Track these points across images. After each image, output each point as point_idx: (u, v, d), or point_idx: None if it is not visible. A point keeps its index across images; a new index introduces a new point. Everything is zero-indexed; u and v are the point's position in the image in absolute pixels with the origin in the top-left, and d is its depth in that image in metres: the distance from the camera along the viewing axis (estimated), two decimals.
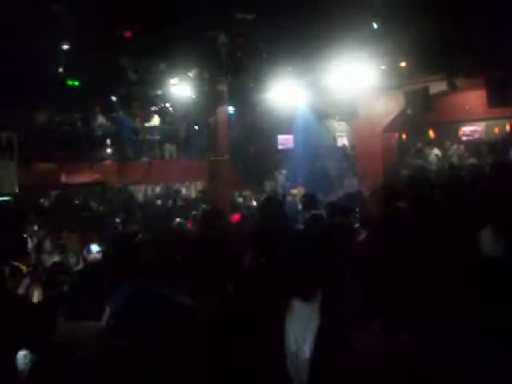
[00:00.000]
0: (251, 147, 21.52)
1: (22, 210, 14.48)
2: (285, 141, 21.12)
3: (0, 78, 12.87)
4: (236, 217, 10.90)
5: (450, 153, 19.90)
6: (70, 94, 14.79)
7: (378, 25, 12.16)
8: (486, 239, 4.07)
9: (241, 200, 16.88)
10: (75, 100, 15.85)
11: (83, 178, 17.00)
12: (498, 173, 6.09)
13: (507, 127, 20.50)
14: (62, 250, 11.07)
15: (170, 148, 19.55)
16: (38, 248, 11.74)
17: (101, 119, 17.82)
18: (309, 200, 7.41)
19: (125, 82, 14.31)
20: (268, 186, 19.25)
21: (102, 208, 16.62)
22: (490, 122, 20.46)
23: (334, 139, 22.77)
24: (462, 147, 20.18)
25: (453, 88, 15.53)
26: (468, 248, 3.99)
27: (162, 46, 12.58)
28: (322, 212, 6.91)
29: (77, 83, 14.32)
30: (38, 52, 12.25)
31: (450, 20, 11.82)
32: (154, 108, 19.24)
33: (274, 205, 6.13)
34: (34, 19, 10.99)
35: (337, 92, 16.13)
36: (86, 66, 13.15)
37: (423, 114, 17.35)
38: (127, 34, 11.87)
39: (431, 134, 21.39)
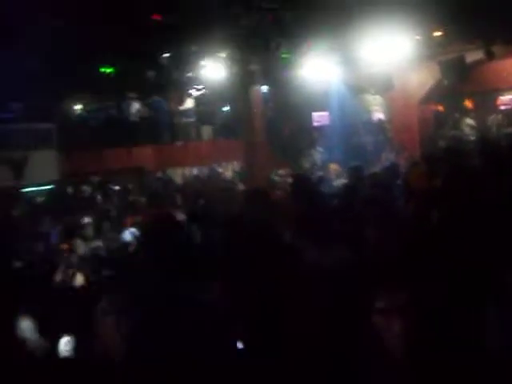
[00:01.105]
0: (286, 126, 21.45)
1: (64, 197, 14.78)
2: (320, 118, 20.98)
3: (35, 71, 13.08)
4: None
5: (490, 122, 19.51)
6: (103, 81, 14.92)
7: None
8: None
9: (277, 179, 16.86)
10: (109, 87, 16.00)
11: (121, 164, 17.24)
12: None
13: None
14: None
15: (206, 130, 19.64)
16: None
17: (136, 105, 17.97)
18: (355, 173, 7.35)
19: (157, 66, 14.36)
20: (306, 163, 19.17)
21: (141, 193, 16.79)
22: None
23: (370, 113, 22.52)
24: (500, 116, 19.78)
25: (490, 56, 15.17)
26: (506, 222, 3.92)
27: (192, 28, 12.57)
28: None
29: (109, 70, 14.43)
30: (71, 42, 12.37)
31: None
32: (187, 91, 19.30)
33: (304, 183, 6.10)
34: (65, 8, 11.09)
35: (371, 65, 15.90)
36: (118, 53, 13.23)
37: (459, 84, 17.02)
38: (156, 16, 11.88)
39: (468, 104, 20.98)
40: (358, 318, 3.35)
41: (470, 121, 19.58)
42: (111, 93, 17.23)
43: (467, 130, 19.28)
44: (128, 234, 9.07)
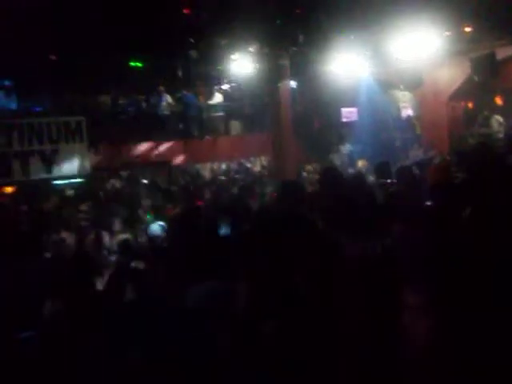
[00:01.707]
0: (315, 121, 21.43)
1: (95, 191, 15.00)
2: (349, 113, 20.91)
3: (65, 65, 13.26)
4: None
5: None
6: (133, 75, 15.09)
7: None
8: None
9: (305, 174, 16.88)
10: (139, 81, 16.18)
11: (150, 158, 17.42)
12: None
13: None
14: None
15: (234, 124, 19.73)
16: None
17: (167, 99, 18.12)
18: (382, 169, 7.35)
19: (186, 60, 14.47)
20: (336, 159, 19.15)
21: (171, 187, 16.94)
22: None
23: (399, 109, 22.39)
24: None
25: None
26: None
27: (222, 22, 12.64)
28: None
29: (139, 64, 14.59)
30: (103, 37, 12.52)
31: None
32: (217, 85, 19.41)
33: (332, 175, 6.11)
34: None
35: (400, 61, 15.82)
36: (148, 47, 13.36)
37: (490, 81, 16.84)
38: (187, 10, 11.98)
39: (498, 101, 20.75)
40: (389, 313, 3.37)
41: (499, 118, 19.35)
42: (141, 87, 17.42)
43: (496, 127, 19.07)
44: (157, 227, 9.17)
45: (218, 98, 19.52)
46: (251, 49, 14.65)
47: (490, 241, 3.70)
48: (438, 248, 3.95)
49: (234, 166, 20.35)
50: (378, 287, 3.42)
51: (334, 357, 3.25)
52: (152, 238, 8.80)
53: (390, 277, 3.55)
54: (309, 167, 16.95)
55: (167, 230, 8.48)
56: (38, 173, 14.87)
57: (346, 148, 20.03)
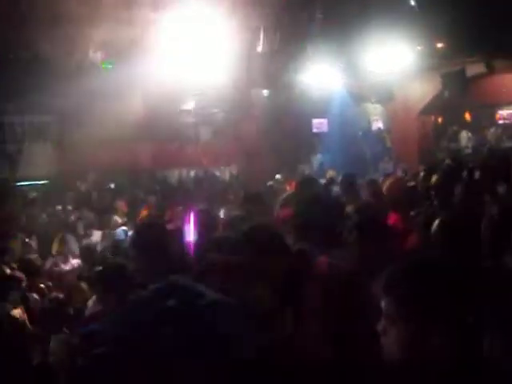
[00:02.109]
0: (286, 131, 21.41)
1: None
2: (319, 124, 20.96)
3: (34, 64, 13.00)
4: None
5: (489, 136, 19.55)
6: (104, 77, 14.85)
7: (414, 4, 11.95)
8: None
9: (275, 184, 16.78)
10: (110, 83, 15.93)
11: (118, 161, 17.15)
12: None
13: None
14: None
15: (204, 131, 19.59)
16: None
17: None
18: (348, 182, 7.30)
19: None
20: (307, 169, 19.15)
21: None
22: None
23: (369, 122, 22.53)
24: (499, 130, 19.84)
25: (490, 70, 15.24)
26: None
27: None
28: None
29: (110, 66, 14.39)
30: (75, 36, 12.32)
31: (488, 0, 11.60)
32: (189, 91, 19.24)
33: (312, 186, 6.05)
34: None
35: (372, 74, 15.90)
36: (120, 48, 13.19)
37: (460, 97, 17.05)
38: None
39: (467, 117, 21.03)
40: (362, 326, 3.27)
41: (468, 134, 19.63)
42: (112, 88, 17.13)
43: (465, 143, 19.33)
44: (121, 232, 9.02)
45: (190, 104, 19.38)
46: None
47: (458, 253, 3.67)
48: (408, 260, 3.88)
49: (202, 173, 20.18)
50: (351, 301, 3.33)
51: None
52: (115, 243, 8.63)
53: (361, 290, 3.46)
54: (277, 177, 16.87)
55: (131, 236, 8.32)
56: (1, 173, 14.56)
57: (317, 158, 20.06)
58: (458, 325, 2.08)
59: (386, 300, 2.14)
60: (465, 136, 19.60)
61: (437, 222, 3.90)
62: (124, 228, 9.34)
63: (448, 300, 2.09)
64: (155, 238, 4.27)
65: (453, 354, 2.05)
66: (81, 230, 11.57)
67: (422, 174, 8.50)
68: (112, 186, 16.87)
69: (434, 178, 6.63)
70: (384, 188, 6.58)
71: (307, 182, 6.34)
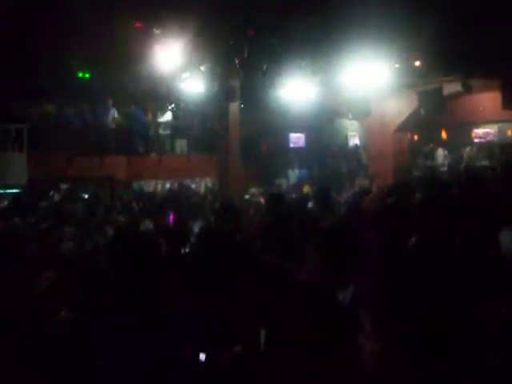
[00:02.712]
0: (263, 145, 21.40)
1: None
2: (297, 139, 21.01)
3: (10, 70, 12.84)
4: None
5: (465, 155, 19.71)
6: (81, 86, 14.72)
7: (393, 23, 12.00)
8: (508, 240, 3.94)
9: (250, 198, 16.74)
10: (86, 93, 15.79)
11: (93, 171, 16.98)
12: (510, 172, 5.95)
13: None
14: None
15: (180, 143, 19.50)
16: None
17: (113, 112, 17.78)
18: (323, 196, 7.27)
19: (135, 75, 14.23)
20: (282, 183, 19.15)
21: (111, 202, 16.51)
22: (504, 125, 20.30)
23: (346, 138, 22.63)
24: (474, 149, 20.01)
25: (467, 89, 15.35)
26: (488, 249, 3.86)
27: (174, 39, 12.48)
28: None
29: (87, 75, 14.26)
30: (50, 43, 12.19)
31: (465, 20, 11.68)
32: (166, 103, 19.16)
33: (278, 200, 6.00)
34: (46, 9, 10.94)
35: (350, 90, 15.96)
36: (97, 59, 13.07)
37: (436, 115, 17.16)
38: (138, 24, 11.80)
39: (443, 134, 21.19)
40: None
41: (444, 151, 19.76)
42: (88, 98, 17.01)
43: (441, 160, 19.46)
44: (90, 242, 8.86)
45: (166, 116, 19.30)
46: (202, 68, 14.48)
47: (436, 268, 3.64)
48: (385, 275, 3.86)
49: (177, 185, 20.03)
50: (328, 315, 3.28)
51: None
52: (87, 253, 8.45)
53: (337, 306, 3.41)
54: (253, 190, 16.83)
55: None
56: None
57: (295, 173, 20.07)
58: None
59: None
60: (441, 154, 19.73)
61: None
62: (94, 238, 9.17)
63: None
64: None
65: None
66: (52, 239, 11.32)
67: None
68: (85, 196, 16.65)
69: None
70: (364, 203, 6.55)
71: (274, 198, 6.30)
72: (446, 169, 18.57)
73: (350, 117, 19.18)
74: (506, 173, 6.13)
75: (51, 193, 16.32)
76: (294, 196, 14.60)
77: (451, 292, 3.32)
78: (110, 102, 17.59)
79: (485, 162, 18.01)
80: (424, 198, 5.53)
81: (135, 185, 19.11)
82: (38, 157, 15.58)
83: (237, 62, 13.38)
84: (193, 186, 20.43)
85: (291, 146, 21.05)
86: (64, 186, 16.88)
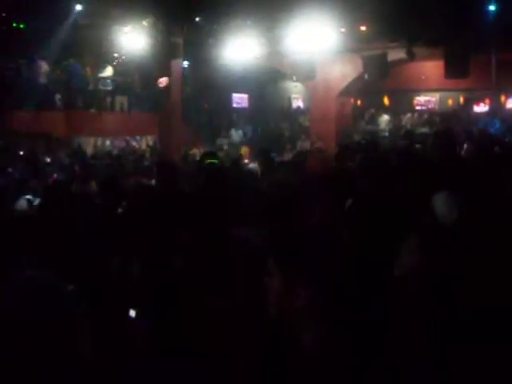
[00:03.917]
0: (205, 104, 21.14)
1: None
2: (240, 99, 20.85)
3: None
4: None
5: (404, 121, 19.98)
6: (15, 37, 14.08)
7: None
8: (440, 204, 3.95)
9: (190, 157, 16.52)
10: (20, 44, 15.12)
11: (28, 127, 16.38)
12: (441, 140, 5.96)
13: (461, 99, 20.71)
14: None
15: (121, 100, 19.04)
16: None
17: (44, 66, 17.09)
18: (265, 157, 7.21)
19: (75, 27, 13.69)
20: (223, 143, 18.98)
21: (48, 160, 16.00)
22: (445, 94, 20.63)
23: (290, 100, 22.58)
24: (415, 116, 20.30)
25: (411, 56, 15.43)
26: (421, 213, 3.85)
27: None
28: None
29: (22, 26, 13.65)
30: None
31: None
32: (107, 57, 18.60)
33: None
34: None
35: (295, 52, 15.81)
36: (32, 8, 12.50)
37: (379, 81, 17.24)
38: None
39: (386, 101, 21.39)
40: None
41: (386, 117, 19.97)
42: (23, 51, 16.29)
43: (383, 126, 19.66)
44: (23, 201, 8.50)
45: (107, 71, 18.78)
46: (145, 22, 14.06)
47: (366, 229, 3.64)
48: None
49: (118, 142, 19.60)
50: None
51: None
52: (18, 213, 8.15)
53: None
54: (194, 150, 16.62)
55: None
56: None
57: (237, 133, 19.92)
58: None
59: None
60: (385, 119, 19.94)
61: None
62: (28, 197, 8.82)
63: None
64: None
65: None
66: None
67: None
68: (21, 152, 16.09)
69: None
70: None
71: (207, 156, 6.21)
72: (386, 134, 18.79)
73: (294, 79, 19.04)
74: (441, 140, 6.12)
75: None
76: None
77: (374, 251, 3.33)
78: (39, 55, 16.87)
79: (425, 130, 18.26)
80: (360, 160, 5.52)
81: (73, 142, 18.60)
82: None
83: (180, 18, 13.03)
84: (134, 143, 20.08)
85: (234, 106, 20.87)
86: None
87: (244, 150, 16.03)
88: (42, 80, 17.05)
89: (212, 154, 6.72)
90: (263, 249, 3.44)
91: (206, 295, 3.26)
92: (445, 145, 5.66)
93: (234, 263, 3.33)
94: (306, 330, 2.32)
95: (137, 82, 19.52)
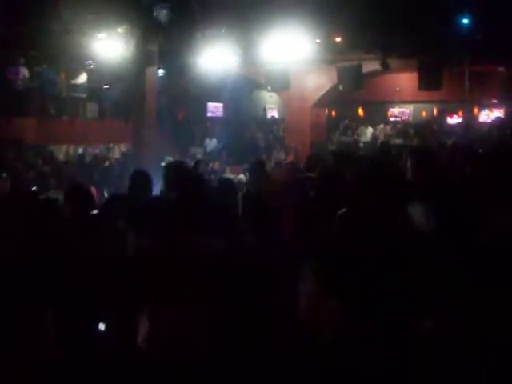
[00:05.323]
0: (180, 112, 21.04)
1: None
2: (214, 108, 20.83)
3: None
4: None
5: (377, 132, 20.12)
6: None
7: None
8: (417, 212, 3.93)
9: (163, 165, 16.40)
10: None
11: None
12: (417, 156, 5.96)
13: (434, 111, 20.93)
14: None
15: (91, 107, 18.88)
16: None
17: (24, 72, 16.93)
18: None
19: (49, 33, 13.50)
20: (197, 153, 18.89)
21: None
22: (418, 105, 20.83)
23: (265, 110, 22.60)
24: (388, 127, 20.45)
25: (385, 68, 15.59)
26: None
27: None
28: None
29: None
30: None
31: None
32: (81, 64, 18.43)
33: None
34: None
35: (270, 62, 15.84)
36: (7, 14, 12.30)
37: (354, 92, 17.35)
38: None
39: (360, 112, 21.53)
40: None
41: (371, 129, 20.13)
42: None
43: (368, 138, 19.80)
44: None
45: (81, 78, 18.60)
46: (120, 29, 13.93)
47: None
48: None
49: (91, 149, 19.38)
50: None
51: None
52: None
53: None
54: (168, 158, 16.50)
55: None
56: None
57: (211, 142, 19.86)
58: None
59: None
60: (369, 132, 20.09)
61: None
62: None
63: None
64: None
65: None
66: None
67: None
68: None
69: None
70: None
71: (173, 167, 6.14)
72: (361, 145, 18.89)
73: (269, 89, 19.07)
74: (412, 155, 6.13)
75: None
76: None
77: None
78: (22, 61, 16.74)
79: (399, 141, 18.40)
80: (320, 170, 5.52)
81: (45, 149, 18.37)
82: None
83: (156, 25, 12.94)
84: (106, 151, 19.88)
85: (209, 115, 20.83)
86: None
87: (216, 165, 16.03)
88: (20, 87, 16.87)
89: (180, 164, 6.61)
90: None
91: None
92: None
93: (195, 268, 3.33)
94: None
95: (111, 90, 19.35)
